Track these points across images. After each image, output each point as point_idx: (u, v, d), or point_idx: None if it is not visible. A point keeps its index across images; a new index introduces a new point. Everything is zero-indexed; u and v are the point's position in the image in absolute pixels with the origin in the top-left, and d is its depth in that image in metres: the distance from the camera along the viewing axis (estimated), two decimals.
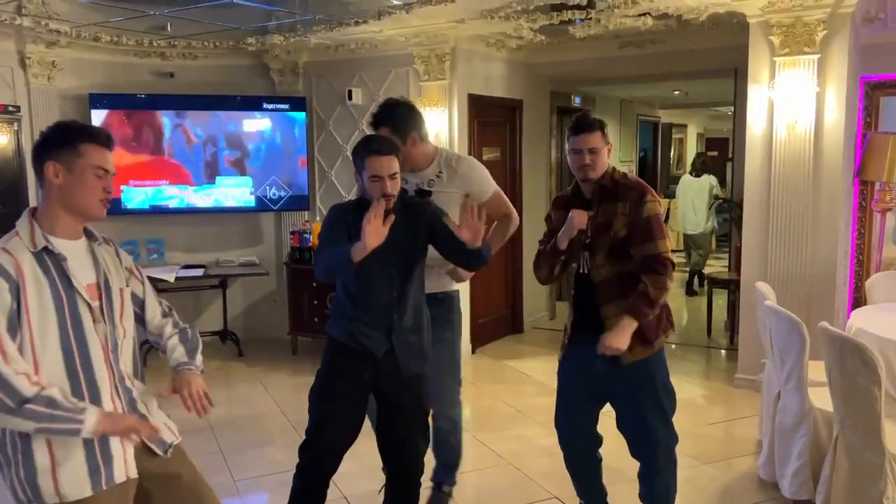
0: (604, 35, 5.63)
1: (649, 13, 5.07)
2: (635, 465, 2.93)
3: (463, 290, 6.07)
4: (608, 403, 2.91)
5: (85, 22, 5.46)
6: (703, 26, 5.26)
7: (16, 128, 4.89)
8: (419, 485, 2.92)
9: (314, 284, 5.87)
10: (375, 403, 2.84)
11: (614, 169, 2.81)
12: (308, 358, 5.84)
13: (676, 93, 9.66)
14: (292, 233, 6.27)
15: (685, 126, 14.17)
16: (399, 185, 2.66)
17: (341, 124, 6.32)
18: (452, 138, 5.82)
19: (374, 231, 2.45)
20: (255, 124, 6.19)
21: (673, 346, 6.56)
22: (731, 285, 6.31)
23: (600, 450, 3.03)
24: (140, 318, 2.13)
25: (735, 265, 6.40)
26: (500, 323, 6.69)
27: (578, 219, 2.70)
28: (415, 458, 2.86)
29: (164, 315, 2.19)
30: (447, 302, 3.18)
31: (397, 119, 2.97)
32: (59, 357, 1.84)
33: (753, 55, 4.84)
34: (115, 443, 1.90)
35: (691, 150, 15.01)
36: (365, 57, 6.09)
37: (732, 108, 6.82)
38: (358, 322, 2.70)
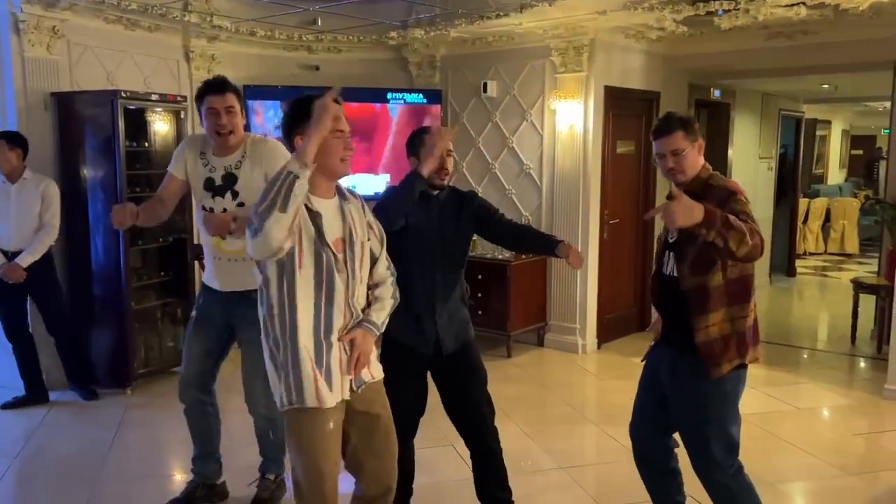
0: (751, 26, 5.42)
1: (804, 2, 4.84)
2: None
3: (590, 286, 6.20)
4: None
5: (244, 17, 5.85)
6: (863, 16, 4.96)
7: (182, 116, 5.29)
8: (499, 450, 2.96)
9: None
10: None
11: (710, 173, 2.54)
12: None
13: (826, 86, 9.07)
14: None
15: (829, 122, 13.31)
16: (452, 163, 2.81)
17: (475, 116, 6.43)
18: (587, 129, 5.79)
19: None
20: (393, 115, 6.41)
21: (805, 354, 6.26)
22: (881, 291, 5.94)
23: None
24: (371, 264, 2.37)
25: (887, 270, 6.00)
26: (627, 320, 6.60)
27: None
28: (483, 424, 2.92)
29: (388, 269, 2.42)
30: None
31: (241, 94, 3.17)
32: (311, 291, 2.17)
33: None
34: (335, 369, 2.19)
35: (835, 149, 14.08)
36: (501, 50, 6.16)
37: (889, 104, 6.37)
38: (404, 314, 2.63)
